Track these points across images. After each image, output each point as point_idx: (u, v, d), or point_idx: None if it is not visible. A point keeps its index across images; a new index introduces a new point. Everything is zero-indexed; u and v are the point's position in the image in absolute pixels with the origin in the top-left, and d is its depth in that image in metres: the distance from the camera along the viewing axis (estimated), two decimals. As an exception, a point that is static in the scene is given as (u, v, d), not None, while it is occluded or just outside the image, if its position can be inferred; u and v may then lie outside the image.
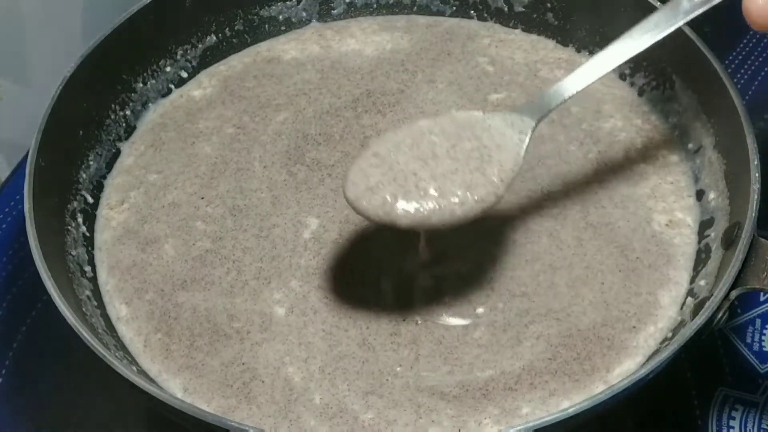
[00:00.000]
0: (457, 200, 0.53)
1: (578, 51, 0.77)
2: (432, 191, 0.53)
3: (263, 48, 0.79)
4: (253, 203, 0.66)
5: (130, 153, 0.71)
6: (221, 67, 0.77)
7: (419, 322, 0.59)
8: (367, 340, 0.59)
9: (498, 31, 0.79)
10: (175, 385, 0.57)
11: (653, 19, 0.57)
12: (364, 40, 0.79)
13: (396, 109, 0.73)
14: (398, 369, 0.57)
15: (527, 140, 0.57)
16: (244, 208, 0.66)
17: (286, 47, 0.79)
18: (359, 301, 0.60)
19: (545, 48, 0.78)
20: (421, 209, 0.53)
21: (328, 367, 0.57)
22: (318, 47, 0.79)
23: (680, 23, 0.57)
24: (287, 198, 0.67)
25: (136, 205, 0.67)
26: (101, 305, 0.61)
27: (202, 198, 0.67)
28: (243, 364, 0.58)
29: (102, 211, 0.67)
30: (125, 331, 0.60)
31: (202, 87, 0.76)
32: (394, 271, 0.62)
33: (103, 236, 0.66)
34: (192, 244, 0.64)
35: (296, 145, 0.70)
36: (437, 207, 0.53)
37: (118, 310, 0.61)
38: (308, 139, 0.71)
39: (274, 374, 0.57)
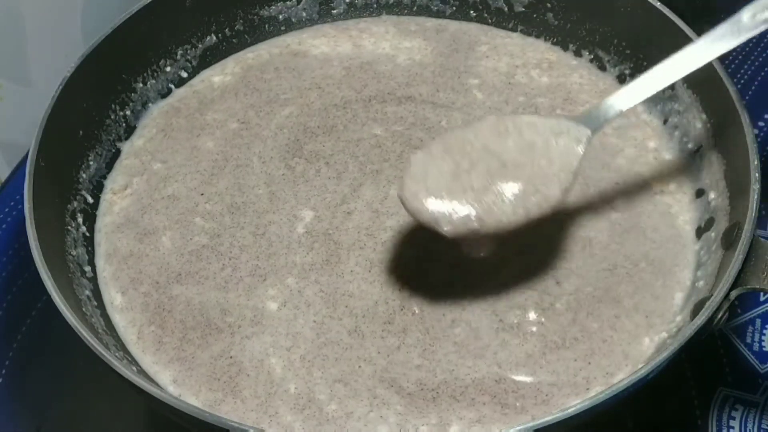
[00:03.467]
0: (513, 205, 0.54)
1: (578, 54, 0.76)
2: (491, 197, 0.54)
3: (294, 40, 0.79)
4: (250, 200, 0.67)
5: (141, 135, 0.72)
6: (249, 54, 0.78)
7: (416, 311, 0.59)
8: (359, 327, 0.59)
9: (495, 36, 0.79)
10: (165, 377, 0.58)
11: (716, 33, 0.56)
12: (396, 45, 0.78)
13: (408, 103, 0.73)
14: (376, 355, 0.57)
15: (583, 148, 0.56)
16: (241, 205, 0.66)
17: (316, 42, 0.79)
18: (358, 291, 0.61)
19: (536, 50, 0.78)
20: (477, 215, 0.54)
21: (309, 354, 0.58)
22: (351, 45, 0.79)
23: (743, 38, 0.56)
24: (284, 193, 0.67)
25: (137, 192, 0.68)
26: (101, 305, 0.62)
27: (202, 194, 0.67)
28: (230, 357, 0.58)
29: (106, 195, 0.68)
30: (118, 319, 0.61)
31: (224, 73, 0.77)
32: (388, 261, 0.62)
33: (104, 219, 0.66)
34: (189, 239, 0.65)
35: (296, 139, 0.71)
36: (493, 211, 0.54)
37: (113, 297, 0.62)
38: (307, 132, 0.71)
39: (259, 367, 0.58)
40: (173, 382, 0.57)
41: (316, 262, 0.63)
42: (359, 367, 0.57)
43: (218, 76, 0.77)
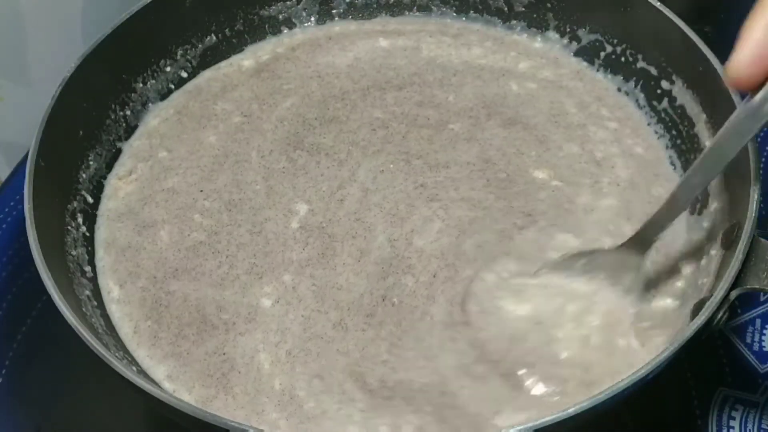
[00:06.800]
0: None
1: (577, 53, 0.77)
2: None
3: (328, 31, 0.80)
4: (247, 196, 0.67)
5: (157, 114, 0.73)
6: (285, 39, 0.79)
7: (395, 302, 0.59)
8: (344, 320, 0.59)
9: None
10: (159, 373, 0.58)
11: (734, 125, 0.51)
12: (397, 41, 0.79)
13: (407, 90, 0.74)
14: (352, 348, 0.57)
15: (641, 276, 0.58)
16: (239, 202, 0.67)
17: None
18: (346, 284, 0.61)
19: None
20: None
21: (294, 349, 0.58)
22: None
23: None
24: (282, 186, 0.67)
25: (141, 180, 0.68)
26: (101, 305, 0.62)
27: (201, 191, 0.68)
28: (224, 354, 0.58)
29: (111, 180, 0.69)
30: (115, 310, 0.61)
31: (255, 58, 0.78)
32: (381, 249, 0.62)
33: (108, 204, 0.67)
34: (187, 235, 0.65)
35: (296, 131, 0.71)
36: None
37: (110, 288, 0.62)
38: (306, 124, 0.71)
39: (249, 363, 0.58)
40: (167, 378, 0.58)
41: (312, 257, 0.63)
42: (336, 360, 0.57)
43: (249, 59, 0.77)
